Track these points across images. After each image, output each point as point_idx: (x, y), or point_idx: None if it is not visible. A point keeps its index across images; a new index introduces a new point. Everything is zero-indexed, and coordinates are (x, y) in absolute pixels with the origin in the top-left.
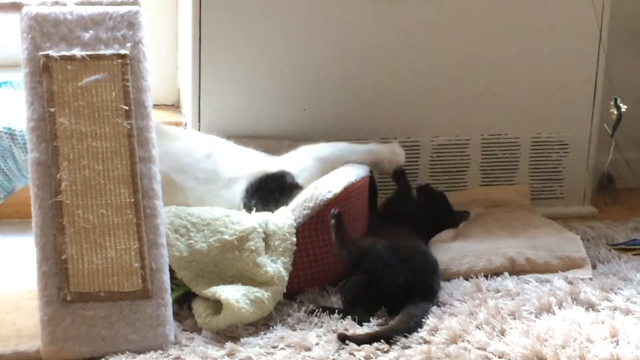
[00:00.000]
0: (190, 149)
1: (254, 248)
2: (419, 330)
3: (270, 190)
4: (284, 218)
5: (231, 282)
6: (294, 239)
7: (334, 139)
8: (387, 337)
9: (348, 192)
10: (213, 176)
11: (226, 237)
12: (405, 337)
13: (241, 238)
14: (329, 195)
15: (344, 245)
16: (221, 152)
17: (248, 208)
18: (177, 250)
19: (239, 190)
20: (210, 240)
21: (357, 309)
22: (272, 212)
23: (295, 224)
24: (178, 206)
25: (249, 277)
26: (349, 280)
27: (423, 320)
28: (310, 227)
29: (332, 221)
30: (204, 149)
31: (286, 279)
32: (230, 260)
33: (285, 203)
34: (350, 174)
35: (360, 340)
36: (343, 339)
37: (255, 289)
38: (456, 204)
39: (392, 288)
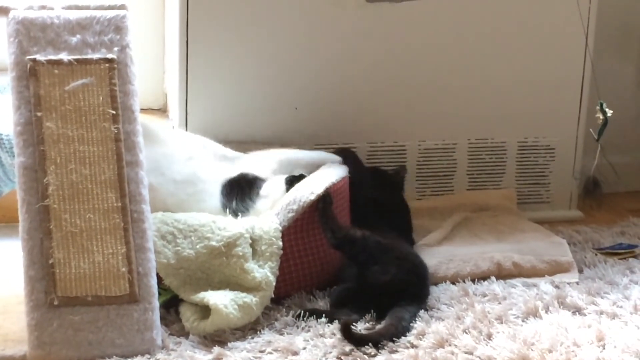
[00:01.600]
0: (171, 152)
1: (241, 254)
2: (407, 334)
3: (242, 188)
4: (269, 222)
5: (219, 288)
6: (280, 243)
7: (322, 142)
8: (375, 341)
9: (330, 192)
10: (193, 179)
11: (213, 243)
12: (393, 341)
13: (228, 244)
14: (312, 197)
15: (329, 227)
16: (202, 155)
17: (228, 208)
18: (165, 257)
19: (216, 193)
20: (198, 246)
21: (345, 312)
22: (249, 209)
23: (280, 228)
24: (164, 213)
25: (236, 283)
26: (339, 285)
27: (411, 324)
28: (296, 229)
29: (320, 203)
30: (186, 152)
31: (274, 283)
32: (217, 266)
33: (253, 197)
34: (331, 175)
35: (357, 339)
36: (346, 329)
37: (243, 294)
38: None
39: (379, 286)
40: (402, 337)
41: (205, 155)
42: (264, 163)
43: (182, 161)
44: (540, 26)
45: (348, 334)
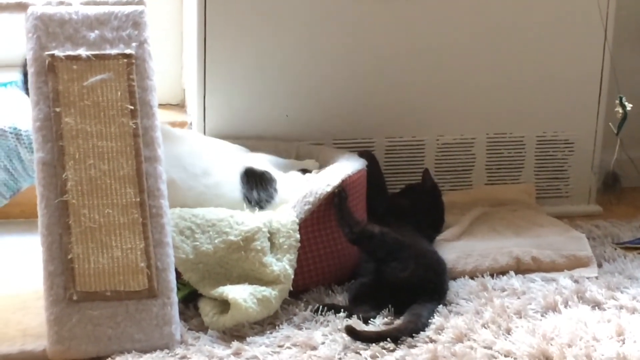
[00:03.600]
0: (190, 148)
1: (259, 248)
2: (425, 330)
3: (260, 179)
4: (286, 215)
5: (237, 282)
6: (298, 236)
7: (340, 137)
8: (394, 336)
9: (345, 185)
10: (210, 171)
11: (231, 237)
12: (412, 337)
13: (247, 238)
14: (328, 189)
15: (345, 222)
16: (217, 149)
17: (249, 199)
18: (183, 252)
19: (235, 183)
20: (216, 241)
21: (363, 308)
22: (267, 200)
23: (297, 220)
24: (182, 208)
25: (255, 277)
26: (357, 280)
27: (430, 320)
28: (312, 222)
29: (335, 199)
30: (202, 147)
31: (292, 276)
32: (236, 260)
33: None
34: (347, 167)
35: (367, 337)
36: (351, 332)
37: (262, 288)
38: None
39: (398, 282)
40: (421, 333)
41: (220, 149)
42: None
43: (200, 155)
44: (559, 20)
45: (355, 337)
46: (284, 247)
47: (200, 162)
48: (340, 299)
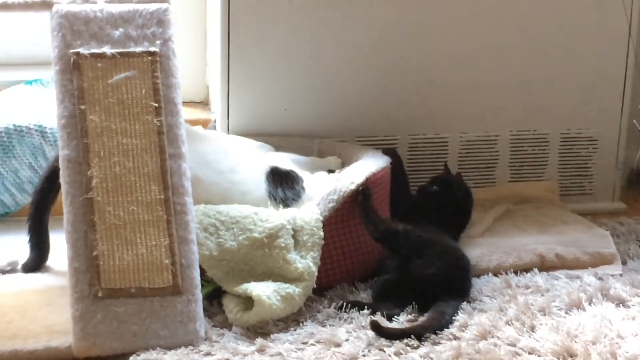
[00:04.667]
0: (214, 146)
1: (283, 245)
2: (449, 327)
3: (286, 178)
4: (310, 213)
5: (261, 279)
6: (322, 233)
7: (364, 135)
8: (418, 333)
9: (370, 182)
10: (235, 167)
11: (255, 235)
12: (436, 334)
13: (270, 235)
14: (352, 187)
15: (370, 220)
16: (242, 147)
17: (274, 197)
18: (207, 249)
19: (261, 180)
20: (240, 238)
21: (387, 305)
22: (294, 198)
23: (321, 218)
24: (206, 205)
25: (279, 274)
26: (380, 277)
27: (454, 318)
28: (337, 219)
29: (359, 197)
30: (227, 145)
31: (316, 274)
32: (260, 257)
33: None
34: (371, 165)
35: (391, 334)
36: (376, 327)
37: (286, 285)
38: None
39: (423, 279)
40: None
41: (245, 147)
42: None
43: (224, 153)
44: (583, 16)
45: (379, 332)
46: (308, 245)
47: (225, 159)
48: (364, 296)
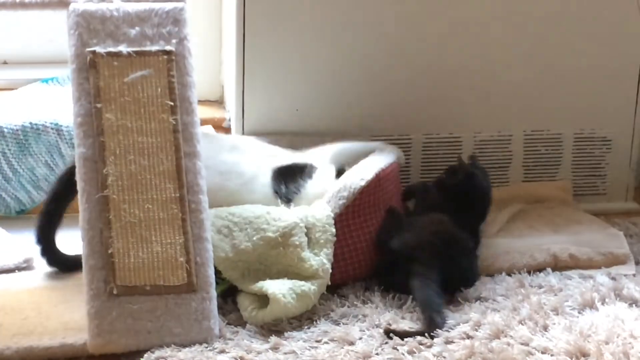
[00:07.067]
0: (214, 144)
1: (297, 243)
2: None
3: (293, 174)
4: (321, 210)
5: (277, 278)
6: (334, 230)
7: (377, 134)
8: (428, 333)
9: (379, 178)
10: (239, 168)
11: (269, 234)
12: (448, 331)
13: (284, 234)
14: (362, 183)
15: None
16: (246, 145)
17: (279, 194)
18: (222, 251)
19: (267, 180)
20: (254, 238)
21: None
22: (300, 189)
23: (332, 215)
24: (218, 207)
25: (294, 272)
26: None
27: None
28: (347, 216)
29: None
30: (229, 143)
31: (330, 270)
32: (275, 257)
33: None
34: (379, 161)
35: (404, 335)
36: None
37: (301, 283)
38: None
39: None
40: (457, 328)
41: (250, 145)
42: (318, 155)
43: (225, 152)
44: (597, 16)
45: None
46: (321, 242)
47: (230, 159)
48: (377, 293)
